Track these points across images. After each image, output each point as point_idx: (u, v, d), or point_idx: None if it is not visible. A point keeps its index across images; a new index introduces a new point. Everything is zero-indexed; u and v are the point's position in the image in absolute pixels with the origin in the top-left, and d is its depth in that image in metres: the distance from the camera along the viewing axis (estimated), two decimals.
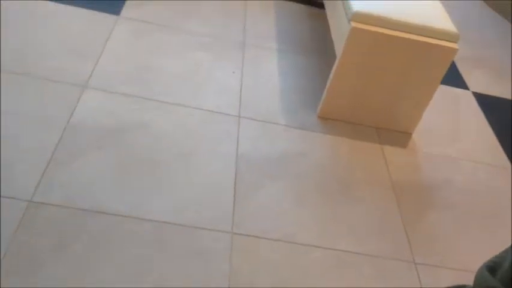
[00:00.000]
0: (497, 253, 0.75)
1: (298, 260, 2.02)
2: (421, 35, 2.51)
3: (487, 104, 3.31)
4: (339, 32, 2.65)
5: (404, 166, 2.63)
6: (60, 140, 2.21)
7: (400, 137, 2.81)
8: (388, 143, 2.74)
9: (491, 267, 0.73)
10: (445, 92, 3.26)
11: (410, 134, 2.84)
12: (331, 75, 2.65)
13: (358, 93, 2.69)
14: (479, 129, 3.07)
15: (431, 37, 2.52)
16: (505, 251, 0.73)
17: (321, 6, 3.69)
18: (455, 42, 2.54)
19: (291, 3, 3.77)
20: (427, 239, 2.27)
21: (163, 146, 2.33)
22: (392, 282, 2.04)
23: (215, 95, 2.72)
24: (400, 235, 2.25)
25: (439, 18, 2.59)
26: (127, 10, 3.16)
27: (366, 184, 2.46)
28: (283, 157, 2.46)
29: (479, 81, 3.55)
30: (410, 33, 2.50)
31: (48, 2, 3.01)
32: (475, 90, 3.41)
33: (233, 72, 2.90)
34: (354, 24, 2.46)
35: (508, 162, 2.85)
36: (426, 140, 2.84)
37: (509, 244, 2.24)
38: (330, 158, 2.54)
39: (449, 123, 3.04)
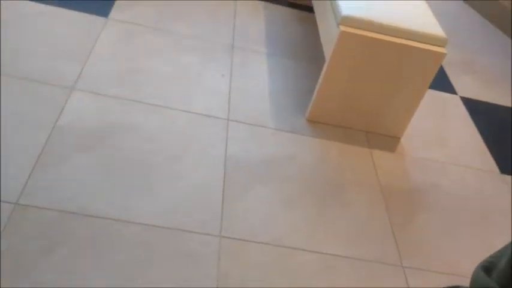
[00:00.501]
0: (492, 253, 0.75)
1: (287, 263, 2.02)
2: (410, 39, 2.52)
3: (475, 109, 3.32)
4: (328, 35, 2.66)
5: (392, 170, 2.63)
6: (47, 142, 2.19)
7: (388, 141, 2.81)
8: (377, 147, 2.74)
9: (487, 267, 0.73)
10: (433, 96, 3.27)
11: (399, 138, 2.84)
12: (320, 79, 2.65)
13: (347, 97, 2.69)
14: (467, 134, 3.08)
15: (420, 41, 2.53)
16: (500, 251, 0.73)
17: (310, 10, 3.69)
18: (443, 46, 2.55)
19: (280, 7, 3.77)
20: (415, 242, 2.28)
21: (152, 149, 2.32)
22: (380, 286, 2.04)
23: (204, 97, 2.71)
24: (388, 239, 2.25)
25: (428, 23, 2.60)
26: (116, 12, 3.15)
27: (355, 188, 2.46)
28: (272, 160, 2.46)
29: (468, 86, 3.56)
30: (399, 37, 2.51)
31: (36, 3, 2.99)
32: (463, 95, 3.43)
33: (222, 75, 2.90)
34: (343, 28, 2.46)
35: (495, 167, 2.86)
36: (414, 145, 2.85)
37: (497, 247, 2.25)
38: (319, 162, 2.54)
39: (437, 128, 3.05)
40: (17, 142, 2.15)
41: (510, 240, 0.72)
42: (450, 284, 0.83)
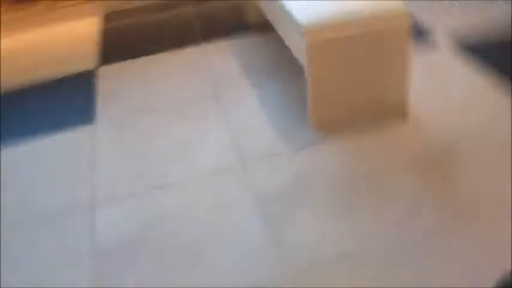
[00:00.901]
0: None
1: (357, 272, 2.04)
2: (375, 24, 2.54)
3: (465, 47, 3.30)
4: (298, 49, 2.68)
5: (414, 142, 2.64)
6: (97, 267, 2.22)
7: (397, 116, 2.81)
8: (389, 127, 2.75)
9: None
10: (422, 59, 3.27)
11: (405, 109, 2.82)
12: (308, 89, 2.67)
13: (341, 96, 2.71)
14: (468, 79, 3.06)
15: (384, 21, 2.55)
16: None
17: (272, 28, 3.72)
18: (405, 17, 2.56)
19: (245, 38, 3.78)
20: (472, 199, 2.29)
21: (187, 227, 2.34)
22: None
23: (212, 155, 2.74)
24: (445, 209, 2.26)
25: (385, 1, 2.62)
26: (100, 114, 3.19)
27: (390, 174, 2.47)
28: (299, 182, 2.48)
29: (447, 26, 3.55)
30: (363, 26, 2.53)
31: (14, 148, 3.01)
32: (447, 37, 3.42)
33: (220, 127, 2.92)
34: (308, 38, 2.49)
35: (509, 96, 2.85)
36: (424, 111, 2.84)
37: None
38: (343, 164, 2.56)
39: (438, 84, 3.05)
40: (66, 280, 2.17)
41: None
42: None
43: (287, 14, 2.68)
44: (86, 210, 2.52)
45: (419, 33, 3.52)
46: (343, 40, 2.51)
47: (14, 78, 3.70)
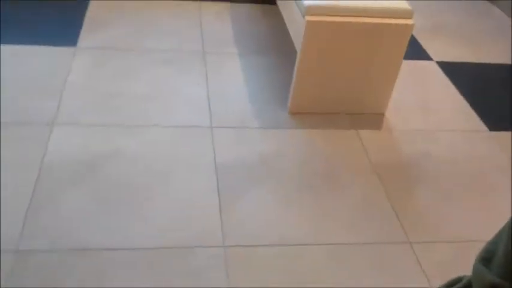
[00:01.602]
0: (490, 239, 0.74)
1: (297, 260, 2.02)
2: (376, 17, 2.52)
3: (453, 71, 3.33)
4: (295, 27, 2.65)
5: (382, 147, 2.64)
6: (37, 182, 2.18)
7: (373, 118, 2.82)
8: (363, 127, 2.75)
9: (486, 258, 0.71)
10: (410, 66, 3.27)
11: (383, 114, 2.85)
12: (295, 71, 2.65)
13: (325, 84, 2.69)
14: (449, 97, 3.09)
15: (386, 17, 2.53)
16: (496, 236, 0.72)
17: (274, 2, 3.68)
18: (410, 18, 2.55)
19: (244, 4, 3.76)
20: (418, 215, 2.28)
21: (140, 170, 2.31)
22: (391, 266, 2.04)
23: (184, 109, 2.70)
24: (390, 217, 2.25)
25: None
26: (83, 40, 3.14)
27: (348, 172, 2.46)
28: (262, 160, 2.46)
29: (441, 49, 3.57)
30: (364, 16, 2.51)
31: (2, 45, 2.97)
32: (438, 60, 3.43)
33: (198, 84, 2.89)
34: (308, 18, 2.46)
35: (483, 126, 2.87)
36: (400, 117, 2.85)
37: (498, 206, 2.24)
38: (308, 153, 2.54)
39: (419, 97, 3.05)
40: (7, 188, 2.13)
41: (508, 220, 0.71)
42: (453, 277, 0.82)
43: None
44: (44, 125, 2.47)
45: None
46: (341, 25, 2.48)
47: None
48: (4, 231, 1.96)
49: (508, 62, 3.52)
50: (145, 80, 2.87)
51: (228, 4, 3.74)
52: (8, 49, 2.96)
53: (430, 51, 3.51)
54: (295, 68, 2.64)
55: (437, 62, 3.40)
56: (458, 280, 0.79)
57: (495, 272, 0.68)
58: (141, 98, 2.73)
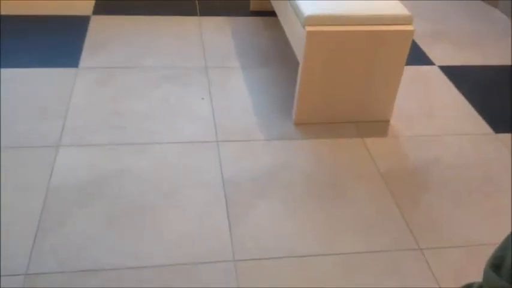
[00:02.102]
0: (499, 244, 0.73)
1: (307, 272, 2.00)
2: (375, 24, 2.52)
3: (456, 75, 3.32)
4: (296, 37, 2.66)
5: (389, 155, 2.63)
6: (44, 205, 2.18)
7: (379, 126, 2.81)
8: (369, 135, 2.74)
9: (496, 265, 0.70)
10: (412, 72, 3.27)
11: (388, 121, 2.84)
12: (298, 81, 2.65)
13: (329, 93, 2.69)
14: (453, 101, 3.08)
15: (386, 24, 2.53)
16: (505, 242, 0.71)
17: (274, 14, 3.69)
18: (410, 24, 2.55)
19: (243, 17, 3.77)
20: (427, 221, 2.27)
21: (147, 189, 2.31)
22: (402, 273, 2.03)
23: (189, 125, 2.70)
24: (400, 224, 2.24)
25: (390, 4, 2.60)
26: (84, 60, 3.15)
27: (356, 181, 2.45)
28: (269, 172, 2.45)
29: (442, 53, 3.57)
30: (364, 24, 2.51)
31: (4, 69, 2.98)
32: (440, 64, 3.43)
33: (202, 99, 2.89)
34: (308, 28, 2.46)
35: (489, 129, 2.86)
36: (405, 124, 2.85)
37: (508, 208, 2.23)
38: (315, 163, 2.53)
39: (423, 102, 3.05)
40: (15, 212, 2.13)
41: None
42: (464, 283, 0.81)
43: (292, 3, 2.65)
44: (49, 147, 2.47)
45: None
46: (342, 34, 2.48)
47: (13, 9, 3.65)
48: (13, 255, 1.96)
49: (510, 63, 3.51)
50: (149, 97, 2.88)
51: (228, 18, 3.75)
52: (10, 72, 2.97)
53: (432, 56, 3.51)
54: (298, 79, 2.64)
55: (440, 67, 3.40)
56: (468, 287, 0.79)
57: (506, 278, 0.67)
58: (145, 115, 2.74)
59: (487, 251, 1.92)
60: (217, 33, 3.56)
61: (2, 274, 1.88)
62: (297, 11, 2.59)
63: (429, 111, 2.97)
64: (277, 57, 3.32)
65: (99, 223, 2.13)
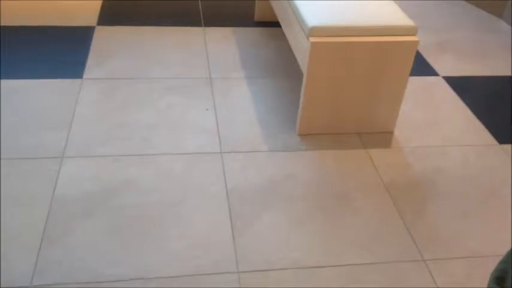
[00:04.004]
0: (501, 258, 0.73)
1: (311, 284, 2.00)
2: (380, 35, 2.53)
3: (460, 85, 3.32)
4: (300, 49, 2.66)
5: (393, 165, 2.62)
6: (49, 216, 2.18)
7: (382, 137, 2.81)
8: (373, 146, 2.74)
9: (499, 278, 0.70)
10: (416, 83, 3.28)
11: (392, 132, 2.84)
12: (302, 92, 2.65)
13: (332, 104, 2.69)
14: (457, 112, 3.08)
15: (390, 35, 2.53)
16: (508, 255, 0.71)
17: (278, 24, 3.71)
18: (414, 35, 2.55)
19: (248, 28, 3.78)
20: (431, 233, 2.26)
21: (152, 200, 2.31)
22: (406, 285, 2.02)
23: (193, 136, 2.71)
24: (403, 236, 2.24)
25: (394, 15, 2.61)
26: (89, 71, 3.16)
27: (360, 192, 2.45)
28: (273, 183, 2.45)
29: (447, 64, 3.57)
30: (368, 36, 2.52)
31: (8, 80, 2.99)
32: (445, 75, 3.43)
33: (206, 110, 2.90)
34: (312, 39, 2.47)
35: (493, 139, 2.86)
36: (409, 135, 2.84)
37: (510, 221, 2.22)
38: (319, 174, 2.53)
39: (427, 113, 3.04)
40: (19, 223, 2.14)
41: None
42: None
43: (296, 14, 2.66)
44: (54, 159, 2.48)
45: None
46: (346, 45, 2.49)
47: (18, 20, 3.67)
48: (17, 268, 1.96)
49: None
50: (154, 108, 2.88)
51: (233, 28, 3.76)
52: (14, 83, 2.98)
53: (437, 67, 3.51)
54: (302, 90, 2.64)
55: (444, 77, 3.40)
56: None
57: None
58: (149, 126, 2.74)
59: (491, 263, 1.93)
60: (221, 44, 3.57)
61: (6, 286, 1.89)
62: (301, 22, 2.60)
63: (433, 122, 2.97)
64: (282, 68, 3.33)
65: (103, 235, 2.13)
